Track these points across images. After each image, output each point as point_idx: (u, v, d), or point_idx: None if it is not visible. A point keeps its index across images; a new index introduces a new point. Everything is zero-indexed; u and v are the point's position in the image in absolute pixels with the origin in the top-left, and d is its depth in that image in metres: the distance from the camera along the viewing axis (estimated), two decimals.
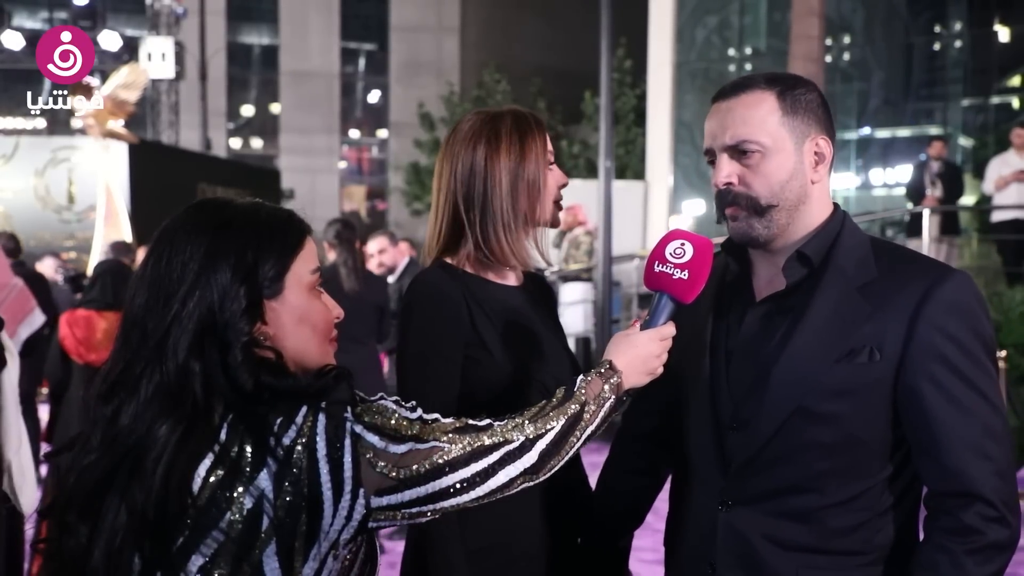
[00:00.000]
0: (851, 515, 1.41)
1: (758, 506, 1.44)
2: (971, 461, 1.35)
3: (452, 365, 1.69)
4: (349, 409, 1.17)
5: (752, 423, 1.45)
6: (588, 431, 1.33)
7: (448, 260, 1.78)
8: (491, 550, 1.68)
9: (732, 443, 1.47)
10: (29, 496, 2.77)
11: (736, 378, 1.49)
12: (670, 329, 1.44)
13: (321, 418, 1.14)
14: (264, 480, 1.11)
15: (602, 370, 1.38)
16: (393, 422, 1.18)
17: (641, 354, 1.41)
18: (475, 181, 1.73)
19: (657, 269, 1.44)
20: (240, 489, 1.11)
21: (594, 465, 1.70)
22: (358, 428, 1.16)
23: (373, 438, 1.16)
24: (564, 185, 1.80)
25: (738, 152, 1.45)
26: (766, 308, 1.50)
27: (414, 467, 1.17)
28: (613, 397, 1.37)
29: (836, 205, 1.52)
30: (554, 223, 1.81)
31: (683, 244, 1.44)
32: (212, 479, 1.11)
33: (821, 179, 1.48)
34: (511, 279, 1.83)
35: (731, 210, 1.47)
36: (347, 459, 1.14)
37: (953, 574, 1.34)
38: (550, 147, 1.79)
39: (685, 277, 1.42)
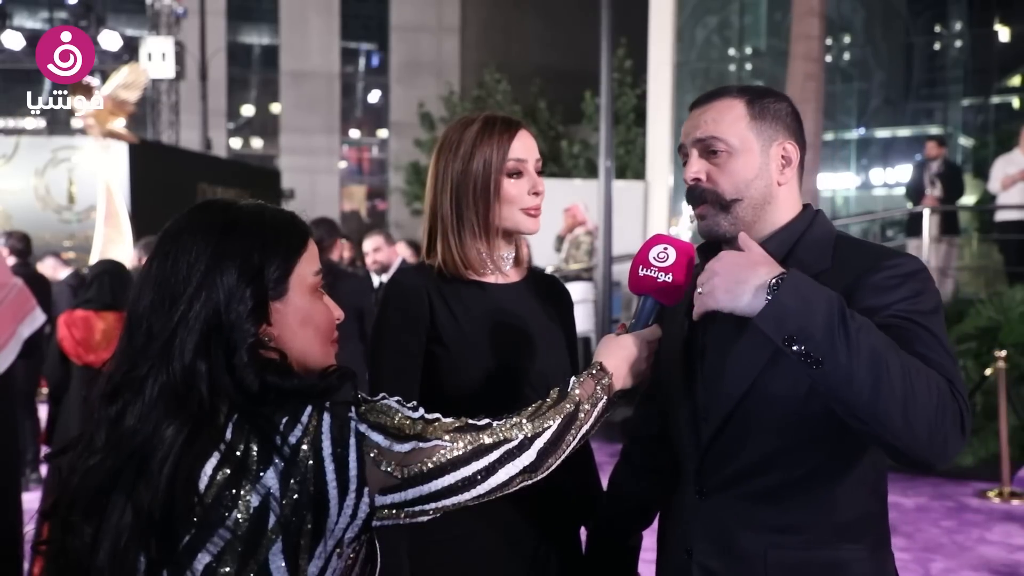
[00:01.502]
0: (813, 491, 1.45)
1: (728, 491, 1.51)
2: (940, 362, 1.32)
3: (408, 360, 1.72)
4: (353, 409, 1.18)
5: (712, 410, 1.51)
6: (583, 430, 1.36)
7: (429, 261, 1.81)
8: (456, 539, 1.70)
9: (703, 433, 1.53)
10: None
11: (709, 370, 1.55)
12: (656, 331, 1.50)
13: (326, 418, 1.15)
14: (271, 478, 1.11)
15: (593, 371, 1.42)
16: (396, 421, 1.20)
17: (629, 356, 1.46)
18: (435, 187, 1.78)
19: (642, 273, 1.50)
20: (247, 487, 1.11)
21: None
22: (363, 427, 1.17)
23: (378, 437, 1.17)
24: (537, 192, 1.77)
25: (708, 151, 1.52)
26: None
27: (417, 466, 1.18)
28: (605, 397, 1.40)
29: (807, 205, 1.57)
30: (525, 230, 1.78)
31: (666, 248, 1.50)
32: (219, 477, 1.12)
33: (788, 181, 1.54)
34: (502, 278, 1.83)
35: (699, 208, 1.54)
36: (352, 458, 1.15)
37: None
38: (518, 154, 1.75)
39: (669, 280, 1.47)
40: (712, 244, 1.57)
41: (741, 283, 1.30)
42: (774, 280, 1.27)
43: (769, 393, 1.45)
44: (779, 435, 1.45)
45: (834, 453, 1.45)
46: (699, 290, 1.35)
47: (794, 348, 1.25)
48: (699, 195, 1.53)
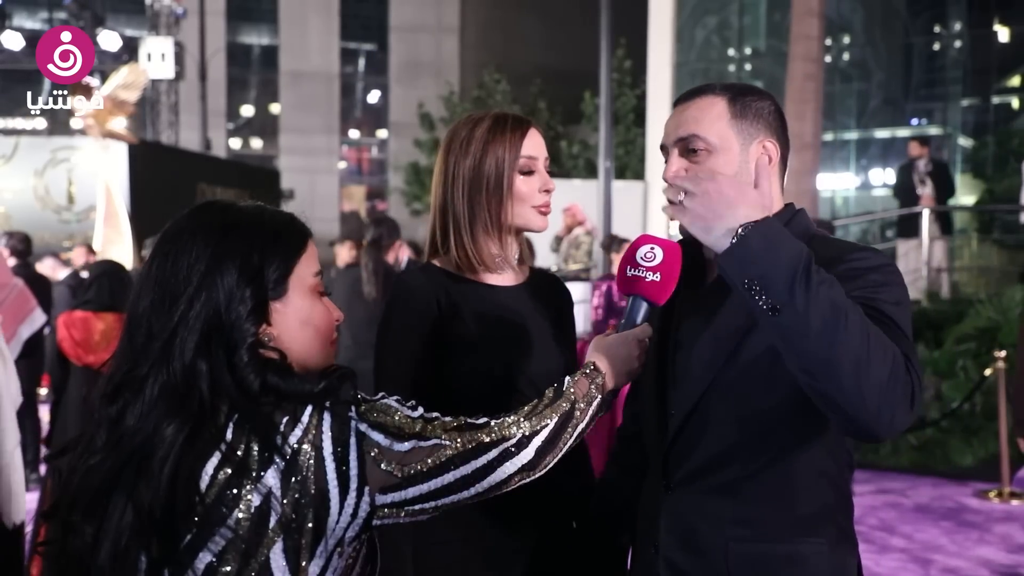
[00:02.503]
0: (771, 485, 1.46)
1: (691, 485, 1.52)
2: (898, 340, 1.31)
3: (413, 362, 1.72)
4: (354, 408, 1.18)
5: (677, 405, 1.52)
6: (579, 429, 1.37)
7: (435, 261, 1.81)
8: (457, 541, 1.70)
9: (669, 427, 1.54)
10: (19, 505, 2.74)
11: (679, 366, 1.56)
12: (647, 330, 1.51)
13: (327, 417, 1.16)
14: (272, 478, 1.12)
15: (587, 371, 1.43)
16: (396, 420, 1.20)
17: (620, 356, 1.47)
18: (445, 184, 1.78)
19: (630, 274, 1.50)
20: (248, 487, 1.12)
21: None
22: (363, 427, 1.17)
23: (378, 436, 1.17)
24: (548, 190, 1.79)
25: (688, 149, 1.52)
26: (701, 297, 1.57)
27: (417, 465, 1.18)
28: (600, 396, 1.42)
29: (789, 204, 1.57)
30: (535, 228, 1.80)
31: (653, 248, 1.50)
32: (220, 476, 1.12)
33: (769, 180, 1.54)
34: (507, 279, 1.83)
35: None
36: (353, 457, 1.15)
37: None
38: (530, 152, 1.76)
39: (658, 279, 1.48)
40: (694, 241, 1.57)
41: (719, 218, 1.28)
42: (746, 224, 1.27)
43: (730, 388, 1.46)
44: (739, 429, 1.47)
45: (792, 447, 1.46)
46: (680, 197, 1.33)
47: (753, 294, 1.23)
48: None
